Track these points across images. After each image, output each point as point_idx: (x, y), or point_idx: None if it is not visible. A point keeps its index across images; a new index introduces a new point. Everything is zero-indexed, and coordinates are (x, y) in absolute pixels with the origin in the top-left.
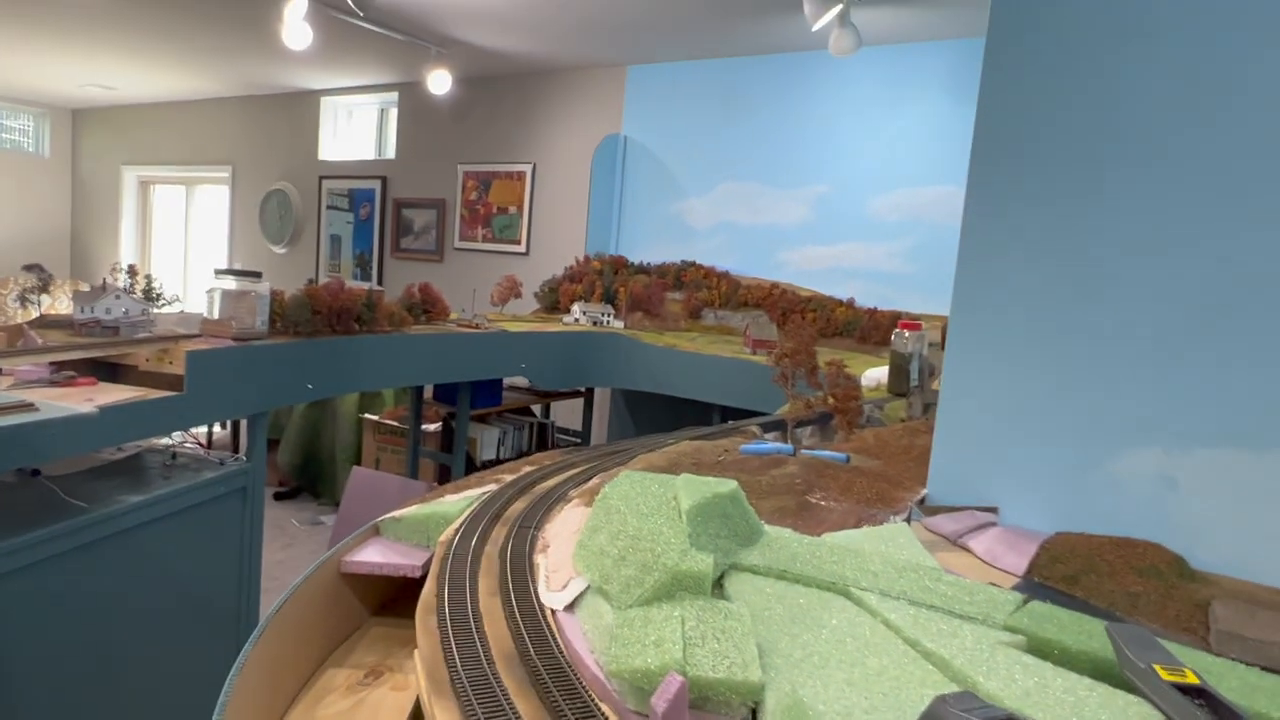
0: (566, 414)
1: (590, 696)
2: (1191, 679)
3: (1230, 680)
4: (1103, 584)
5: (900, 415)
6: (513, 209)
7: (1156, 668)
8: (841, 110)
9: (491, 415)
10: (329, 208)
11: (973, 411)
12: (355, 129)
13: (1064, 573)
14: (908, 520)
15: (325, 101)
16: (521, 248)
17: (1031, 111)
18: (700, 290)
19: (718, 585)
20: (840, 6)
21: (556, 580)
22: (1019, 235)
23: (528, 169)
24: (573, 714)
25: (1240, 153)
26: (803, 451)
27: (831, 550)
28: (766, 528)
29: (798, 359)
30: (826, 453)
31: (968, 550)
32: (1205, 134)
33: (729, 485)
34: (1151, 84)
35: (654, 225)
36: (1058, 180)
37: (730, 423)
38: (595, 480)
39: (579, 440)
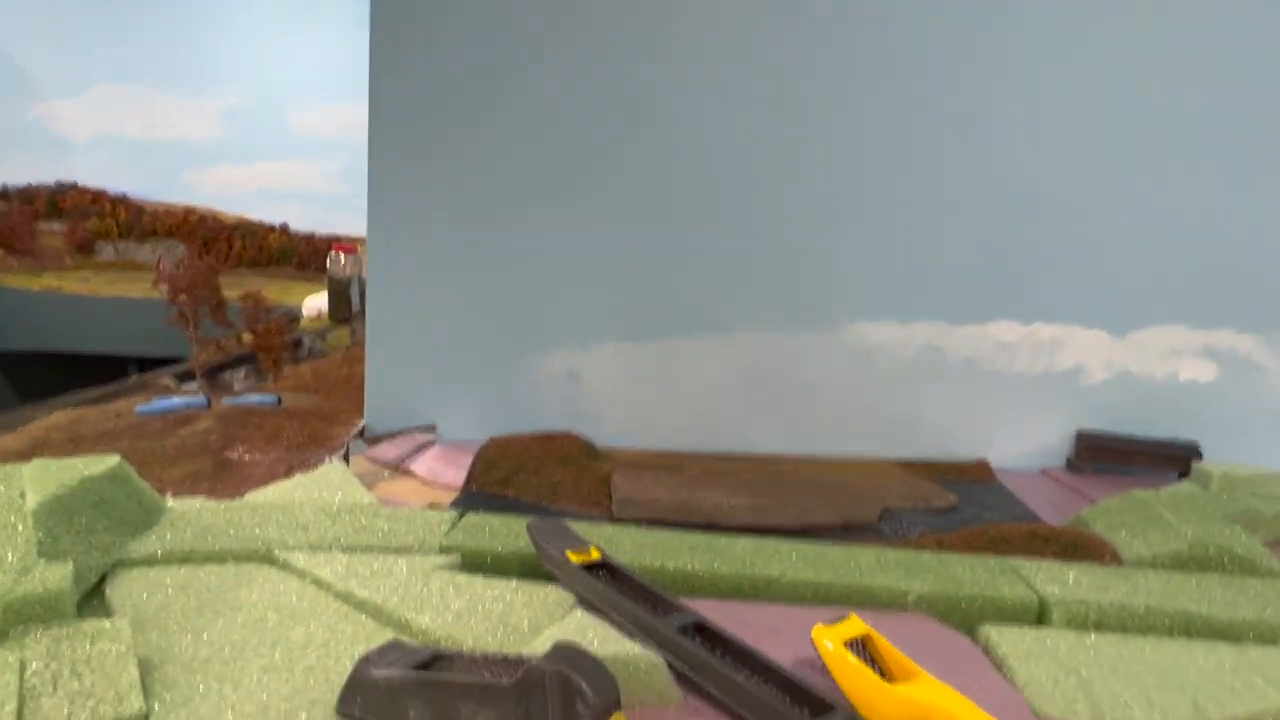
0: None
1: None
2: (595, 555)
3: (625, 544)
4: (531, 479)
5: (345, 343)
6: None
7: (569, 554)
8: (245, 10)
9: None
10: None
11: (402, 333)
12: None
13: (498, 476)
14: (346, 456)
15: None
16: None
17: (426, 30)
18: (89, 219)
19: (95, 595)
20: None
21: None
22: (426, 157)
23: None
24: None
25: (621, 82)
26: (225, 400)
27: (253, 512)
28: (170, 502)
29: (196, 295)
30: (254, 398)
31: (411, 474)
32: (600, 61)
33: (107, 463)
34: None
35: (4, 135)
36: (461, 103)
37: (134, 378)
38: None
39: None
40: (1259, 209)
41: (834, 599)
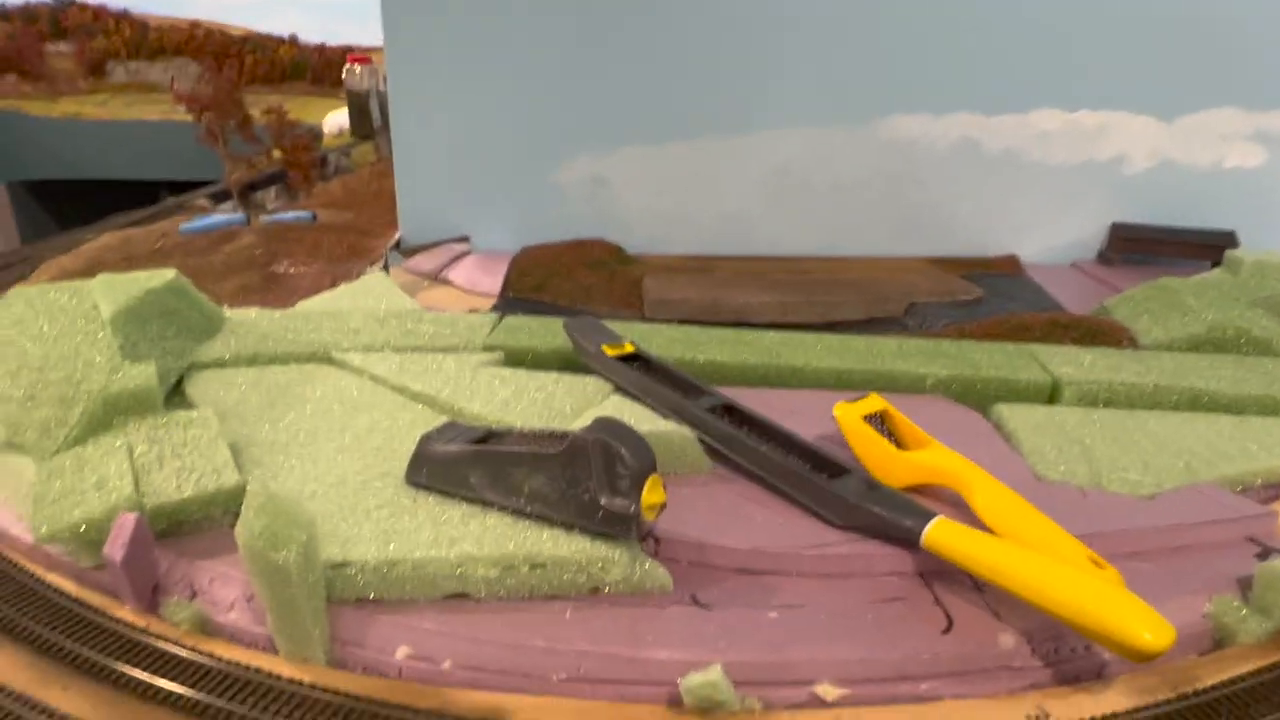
0: None
1: (28, 573)
2: (629, 349)
3: (657, 339)
4: (563, 285)
5: (370, 159)
6: None
7: (604, 348)
8: None
9: None
10: None
11: (429, 145)
12: None
13: (532, 283)
14: (385, 268)
15: None
16: None
17: None
18: (95, 38)
19: (176, 393)
20: None
21: None
22: None
23: None
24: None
25: None
26: (262, 219)
27: (307, 319)
28: (228, 312)
29: (222, 111)
30: (289, 215)
31: (449, 283)
32: None
33: (166, 276)
34: None
35: None
36: None
37: (171, 200)
38: None
39: None
40: None
41: (855, 385)
